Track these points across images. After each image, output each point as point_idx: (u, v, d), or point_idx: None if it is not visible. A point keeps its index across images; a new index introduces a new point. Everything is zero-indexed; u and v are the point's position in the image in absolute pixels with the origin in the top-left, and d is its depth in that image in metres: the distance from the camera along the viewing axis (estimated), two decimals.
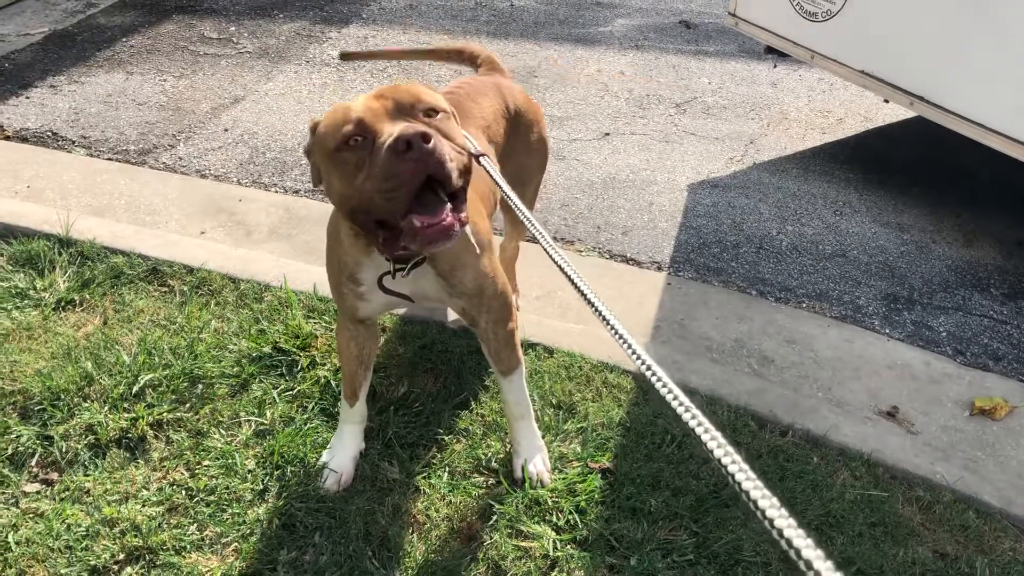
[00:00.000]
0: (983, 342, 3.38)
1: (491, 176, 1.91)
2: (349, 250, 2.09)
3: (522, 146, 2.77)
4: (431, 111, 1.84)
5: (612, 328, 1.44)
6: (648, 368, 1.35)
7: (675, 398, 1.29)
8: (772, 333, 3.31)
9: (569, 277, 1.55)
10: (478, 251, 2.15)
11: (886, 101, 4.31)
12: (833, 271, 3.75)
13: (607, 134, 4.77)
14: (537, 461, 2.50)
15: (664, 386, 1.32)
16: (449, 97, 2.54)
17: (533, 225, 1.73)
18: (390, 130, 1.73)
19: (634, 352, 1.37)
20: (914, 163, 4.65)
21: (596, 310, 1.47)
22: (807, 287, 3.64)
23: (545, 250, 1.63)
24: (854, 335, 3.35)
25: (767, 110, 5.10)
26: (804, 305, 3.54)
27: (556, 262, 1.60)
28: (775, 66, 5.58)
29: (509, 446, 2.58)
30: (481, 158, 1.94)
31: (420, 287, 2.15)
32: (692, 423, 1.23)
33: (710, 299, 3.49)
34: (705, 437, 1.20)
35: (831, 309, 3.52)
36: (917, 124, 4.69)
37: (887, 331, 3.41)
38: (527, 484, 2.46)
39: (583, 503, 2.43)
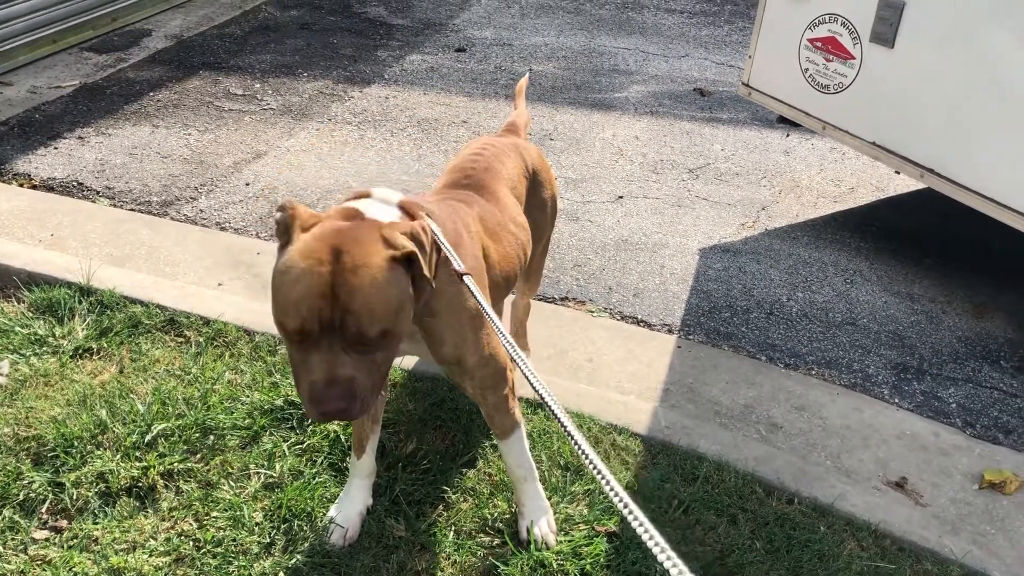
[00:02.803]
0: (993, 415, 3.38)
1: (475, 296, 1.88)
2: None
3: (537, 203, 2.85)
4: (365, 345, 1.74)
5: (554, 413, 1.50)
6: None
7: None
8: (781, 400, 3.32)
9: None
10: (458, 324, 2.15)
11: (897, 172, 4.36)
12: (843, 339, 3.77)
13: (620, 197, 4.84)
14: (543, 523, 2.50)
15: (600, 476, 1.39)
16: (476, 156, 2.63)
17: (496, 326, 1.82)
18: (309, 373, 1.73)
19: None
20: (926, 234, 4.69)
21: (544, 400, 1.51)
22: (817, 354, 3.66)
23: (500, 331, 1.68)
24: (863, 404, 3.35)
25: (779, 178, 5.16)
26: (814, 372, 3.55)
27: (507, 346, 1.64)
28: (788, 135, 5.66)
29: (515, 507, 2.59)
30: (465, 277, 1.91)
31: (407, 343, 2.19)
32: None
33: (720, 364, 3.51)
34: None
35: (840, 377, 3.53)
36: (929, 195, 4.74)
37: (896, 401, 3.42)
38: (532, 546, 2.46)
39: (588, 567, 2.43)
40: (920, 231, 4.71)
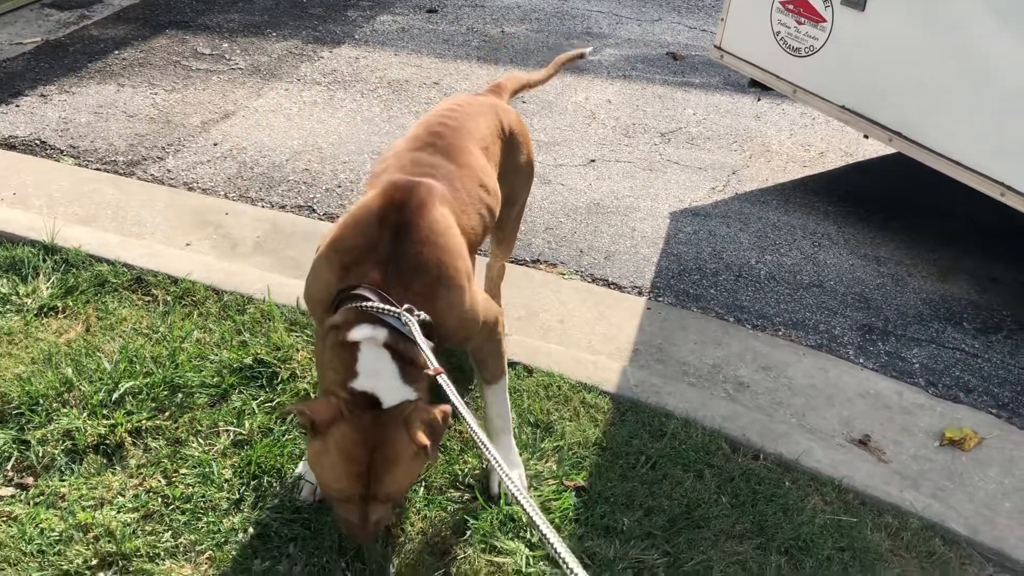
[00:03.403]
0: (955, 374, 3.44)
1: (450, 396, 1.95)
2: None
3: (513, 166, 2.83)
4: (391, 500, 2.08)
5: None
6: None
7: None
8: (748, 359, 3.36)
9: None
10: (452, 304, 2.17)
11: (866, 136, 4.40)
12: (810, 301, 3.81)
13: (592, 161, 4.83)
14: (513, 477, 2.52)
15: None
16: (450, 114, 2.59)
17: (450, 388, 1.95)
18: (348, 518, 2.04)
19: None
20: (892, 198, 4.74)
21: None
22: (784, 315, 3.70)
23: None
24: (829, 364, 3.40)
25: (750, 142, 5.18)
26: (780, 333, 3.59)
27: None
28: (759, 99, 5.67)
29: (486, 463, 2.60)
30: (439, 376, 2.01)
31: None
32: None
33: (688, 324, 3.54)
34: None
35: (807, 338, 3.57)
36: (896, 160, 4.78)
37: (861, 361, 3.47)
38: (502, 500, 2.49)
39: (557, 520, 2.46)
40: (888, 196, 4.76)
